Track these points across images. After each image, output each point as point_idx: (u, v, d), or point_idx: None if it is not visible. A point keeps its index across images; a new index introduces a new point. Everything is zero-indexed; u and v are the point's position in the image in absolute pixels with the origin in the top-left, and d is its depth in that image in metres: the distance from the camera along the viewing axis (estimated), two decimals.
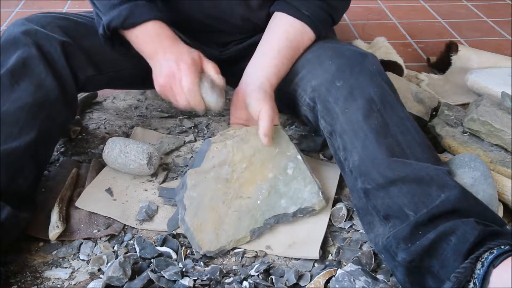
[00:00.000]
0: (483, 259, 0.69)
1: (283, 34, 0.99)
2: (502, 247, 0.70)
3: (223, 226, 0.89)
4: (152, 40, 0.94)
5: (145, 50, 0.96)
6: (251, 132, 0.95)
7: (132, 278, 0.81)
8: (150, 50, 0.95)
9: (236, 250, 0.89)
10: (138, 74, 1.07)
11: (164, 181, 1.03)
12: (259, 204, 0.91)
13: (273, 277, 0.83)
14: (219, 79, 0.94)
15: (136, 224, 0.93)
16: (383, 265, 0.86)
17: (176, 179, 1.03)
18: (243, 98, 0.95)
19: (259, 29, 1.06)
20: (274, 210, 0.91)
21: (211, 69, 0.95)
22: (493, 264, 0.68)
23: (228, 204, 0.91)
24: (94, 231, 0.92)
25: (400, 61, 1.41)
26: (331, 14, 1.02)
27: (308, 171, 0.95)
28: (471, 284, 0.69)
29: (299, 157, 0.96)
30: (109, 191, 0.99)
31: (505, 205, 0.96)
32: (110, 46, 0.98)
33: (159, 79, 0.93)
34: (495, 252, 0.69)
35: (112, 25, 0.93)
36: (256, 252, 0.89)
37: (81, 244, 0.90)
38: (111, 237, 0.91)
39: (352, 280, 0.79)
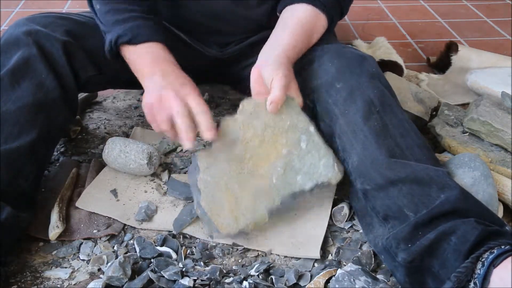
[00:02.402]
0: (484, 259, 0.69)
1: (296, 18, 0.99)
2: (503, 246, 0.70)
3: (240, 208, 0.87)
4: (153, 61, 0.92)
5: (143, 69, 0.93)
6: (260, 106, 0.91)
7: (132, 278, 0.81)
8: (148, 69, 0.92)
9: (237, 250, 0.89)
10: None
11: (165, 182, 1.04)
12: (275, 183, 0.89)
13: (273, 277, 0.83)
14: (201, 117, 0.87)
15: (137, 224, 0.93)
16: (383, 265, 0.86)
17: (179, 173, 1.03)
18: (260, 73, 0.91)
19: (259, 28, 1.06)
20: (291, 188, 0.89)
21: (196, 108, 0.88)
22: (494, 263, 0.68)
23: (243, 185, 0.89)
24: (94, 231, 0.92)
25: (400, 61, 1.41)
26: (341, 4, 1.02)
27: (322, 143, 0.90)
28: (472, 284, 0.69)
29: (312, 129, 0.91)
30: (114, 192, 0.99)
31: (505, 205, 0.96)
32: (115, 59, 0.97)
33: (147, 96, 0.90)
34: (495, 251, 0.69)
35: (119, 42, 0.93)
36: (258, 252, 0.89)
37: (81, 244, 0.90)
38: (111, 237, 0.91)
39: (352, 280, 0.79)
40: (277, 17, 1.03)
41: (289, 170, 0.90)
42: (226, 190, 0.89)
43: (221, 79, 1.29)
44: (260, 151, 0.91)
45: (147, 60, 0.93)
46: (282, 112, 0.91)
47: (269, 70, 0.90)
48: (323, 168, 0.89)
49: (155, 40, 0.94)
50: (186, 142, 0.86)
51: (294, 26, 0.98)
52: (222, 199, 0.88)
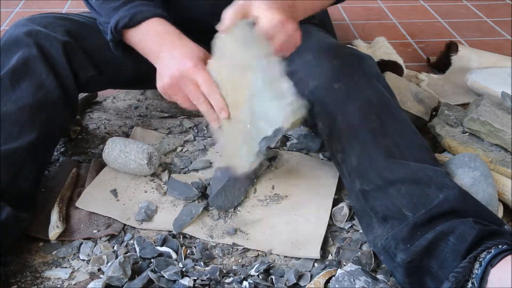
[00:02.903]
0: (481, 259, 0.69)
1: None
2: (500, 246, 0.70)
3: (241, 155, 0.86)
4: (158, 35, 0.90)
5: (151, 47, 0.91)
6: (225, 41, 0.83)
7: (132, 278, 0.81)
8: (156, 46, 0.90)
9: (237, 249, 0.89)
10: (139, 75, 1.07)
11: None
12: (249, 128, 0.83)
13: (273, 277, 0.83)
14: None
15: (137, 224, 0.93)
16: (383, 265, 0.86)
17: (179, 173, 1.03)
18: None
19: None
20: (260, 133, 0.81)
21: None
22: (491, 263, 0.68)
23: (231, 131, 0.86)
24: (94, 231, 0.92)
25: (400, 61, 1.41)
26: None
27: (276, 79, 0.79)
28: (470, 284, 0.69)
29: (265, 61, 0.79)
30: (114, 192, 0.99)
31: (505, 205, 0.96)
32: (121, 51, 0.96)
33: (164, 79, 0.87)
34: (492, 251, 0.69)
35: (120, 25, 0.90)
36: (258, 252, 0.89)
37: (81, 244, 0.90)
38: (111, 237, 0.91)
39: (352, 280, 0.79)
40: None
41: (254, 114, 0.82)
42: (231, 139, 0.87)
43: None
44: (234, 95, 0.84)
45: (151, 38, 0.90)
46: (249, 48, 0.80)
47: None
48: (277, 110, 0.79)
49: (154, 15, 0.91)
50: (213, 124, 0.87)
51: None
52: (231, 153, 0.88)
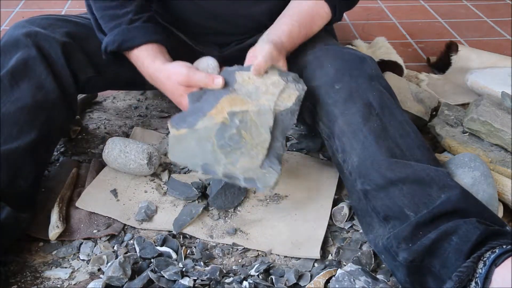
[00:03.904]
0: (485, 258, 0.69)
1: (295, 4, 1.02)
2: (504, 246, 0.70)
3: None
4: (145, 67, 0.97)
5: (144, 75, 0.99)
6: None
7: (132, 278, 0.81)
8: (146, 76, 0.99)
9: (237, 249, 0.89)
10: (138, 76, 1.07)
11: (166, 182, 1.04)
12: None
13: (273, 277, 0.83)
14: (216, 84, 0.91)
15: (137, 224, 0.93)
16: (383, 265, 0.86)
17: (179, 173, 1.03)
18: (254, 52, 0.94)
19: (260, 28, 1.06)
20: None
21: (203, 84, 0.92)
22: (495, 263, 0.68)
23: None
24: (94, 231, 0.92)
25: (400, 61, 1.41)
26: None
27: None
28: (473, 283, 0.69)
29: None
30: (114, 192, 0.99)
31: (505, 205, 0.96)
32: (113, 62, 1.01)
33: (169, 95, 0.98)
34: (497, 251, 0.69)
35: (108, 49, 0.96)
36: (258, 252, 0.89)
37: (81, 244, 0.90)
38: (111, 237, 0.91)
39: (352, 280, 0.79)
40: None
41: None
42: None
43: None
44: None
45: (140, 67, 0.98)
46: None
47: (260, 44, 0.94)
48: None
49: (142, 43, 0.96)
50: (216, 83, 0.91)
51: (291, 12, 1.00)
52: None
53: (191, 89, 0.93)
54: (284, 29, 0.98)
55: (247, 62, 0.96)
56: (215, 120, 0.87)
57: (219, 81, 0.90)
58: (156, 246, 0.88)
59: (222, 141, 0.86)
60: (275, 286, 0.82)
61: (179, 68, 0.93)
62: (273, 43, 0.94)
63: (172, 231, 0.92)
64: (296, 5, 1.01)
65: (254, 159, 0.86)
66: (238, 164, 0.86)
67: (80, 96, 1.24)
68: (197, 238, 0.92)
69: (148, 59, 0.96)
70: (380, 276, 0.83)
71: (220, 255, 0.89)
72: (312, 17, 1.01)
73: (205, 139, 0.87)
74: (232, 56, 1.13)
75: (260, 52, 0.92)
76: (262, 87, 0.91)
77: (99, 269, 0.85)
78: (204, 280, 0.81)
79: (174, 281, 0.81)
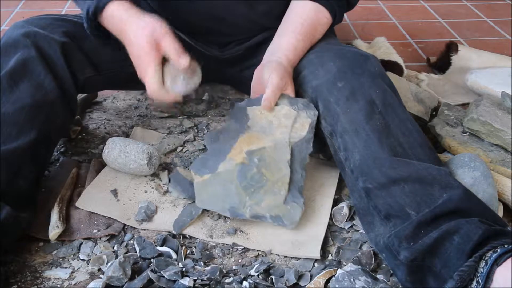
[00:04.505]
0: (487, 258, 0.69)
1: (296, 14, 1.02)
2: (506, 246, 0.70)
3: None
4: (118, 20, 0.92)
5: (117, 33, 0.94)
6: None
7: (132, 278, 0.81)
8: (117, 32, 0.93)
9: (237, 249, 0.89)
10: (137, 75, 1.07)
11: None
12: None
13: (273, 277, 0.83)
14: (180, 63, 0.90)
15: (137, 224, 0.93)
16: (383, 265, 0.86)
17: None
18: (261, 73, 0.96)
19: (260, 28, 1.06)
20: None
21: (170, 52, 0.90)
22: (497, 262, 0.68)
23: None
24: (94, 231, 0.92)
25: (400, 61, 1.41)
26: None
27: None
28: (474, 283, 0.69)
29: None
30: (114, 192, 0.99)
31: (505, 205, 0.96)
32: (98, 38, 0.98)
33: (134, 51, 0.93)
34: (498, 251, 0.69)
35: (90, 12, 0.92)
36: (258, 252, 0.89)
37: (81, 244, 0.90)
38: (111, 237, 0.91)
39: (352, 280, 0.79)
40: (280, 17, 1.04)
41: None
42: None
43: (222, 79, 1.29)
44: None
45: (112, 25, 0.93)
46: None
47: (267, 71, 0.93)
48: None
49: None
50: (182, 62, 0.89)
51: (294, 25, 1.00)
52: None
53: (158, 54, 0.89)
54: (290, 47, 0.99)
55: (253, 90, 0.98)
56: (235, 162, 0.91)
57: (184, 62, 0.89)
58: (156, 246, 0.88)
59: (244, 182, 0.90)
60: (275, 286, 0.82)
61: (154, 22, 0.90)
62: (280, 65, 0.95)
63: (172, 231, 0.92)
64: (298, 16, 1.01)
65: (277, 196, 0.90)
66: (263, 204, 0.90)
67: (80, 96, 1.24)
68: (197, 238, 0.92)
69: (121, 10, 0.91)
70: (380, 276, 0.83)
71: (220, 255, 0.89)
72: (315, 27, 1.02)
73: (229, 181, 0.91)
74: (232, 56, 1.13)
75: (268, 84, 0.93)
76: (274, 121, 0.95)
77: (99, 269, 0.85)
78: (204, 280, 0.81)
79: (174, 281, 0.81)
